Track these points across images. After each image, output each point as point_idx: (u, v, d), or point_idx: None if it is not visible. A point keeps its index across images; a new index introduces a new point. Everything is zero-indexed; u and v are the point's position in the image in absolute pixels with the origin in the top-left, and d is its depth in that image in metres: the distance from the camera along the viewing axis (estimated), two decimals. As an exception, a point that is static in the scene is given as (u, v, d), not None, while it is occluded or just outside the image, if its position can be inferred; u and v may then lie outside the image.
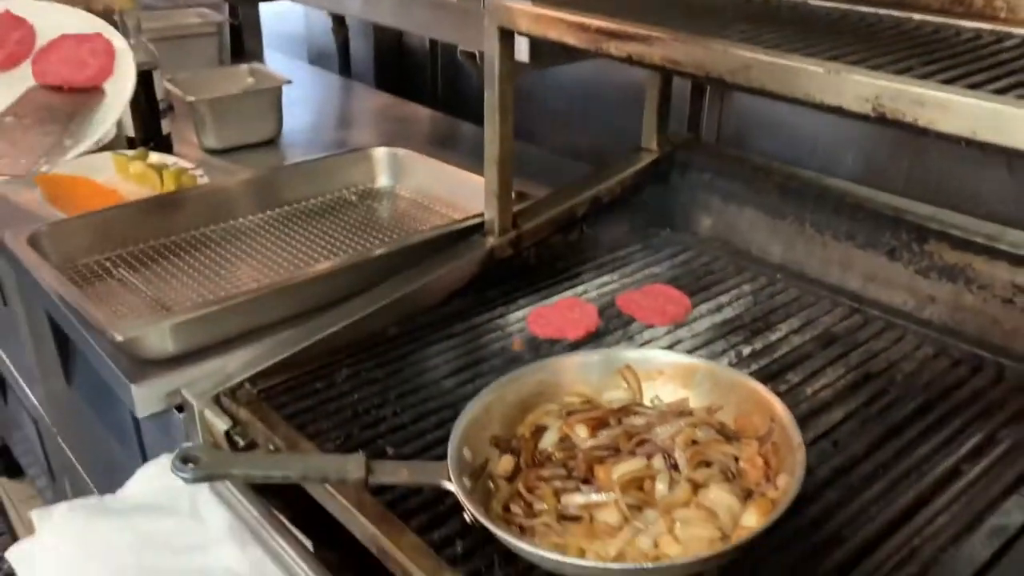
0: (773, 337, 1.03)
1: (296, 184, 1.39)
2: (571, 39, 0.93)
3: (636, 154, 1.29)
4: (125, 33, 1.58)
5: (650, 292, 1.11)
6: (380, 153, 1.46)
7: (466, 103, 1.94)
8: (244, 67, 1.77)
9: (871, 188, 1.13)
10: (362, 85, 2.15)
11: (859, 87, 0.69)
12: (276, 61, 2.39)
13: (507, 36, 1.04)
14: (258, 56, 2.35)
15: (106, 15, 1.97)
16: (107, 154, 1.46)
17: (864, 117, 0.68)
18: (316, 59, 2.40)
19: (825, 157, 1.27)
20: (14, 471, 2.44)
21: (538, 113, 1.73)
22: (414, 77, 2.12)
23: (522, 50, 1.06)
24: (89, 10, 2.11)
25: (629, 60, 0.88)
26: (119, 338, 0.94)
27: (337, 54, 2.22)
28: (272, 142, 1.68)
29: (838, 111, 0.70)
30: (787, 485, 0.70)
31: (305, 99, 1.94)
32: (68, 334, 1.15)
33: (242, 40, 2.28)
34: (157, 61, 1.56)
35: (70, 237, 1.19)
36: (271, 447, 0.87)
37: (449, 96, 2.04)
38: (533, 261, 1.19)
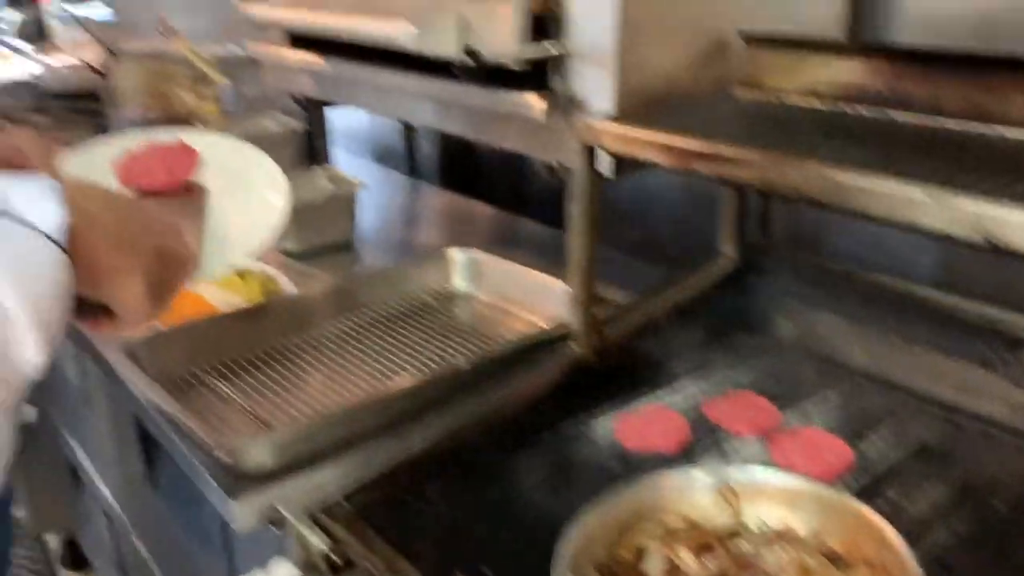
0: (866, 449, 1.01)
1: (376, 289, 1.42)
2: (658, 159, 0.96)
3: (713, 258, 1.31)
4: (210, 143, 1.65)
5: (737, 401, 1.10)
6: (456, 255, 1.50)
7: (528, 200, 1.97)
8: (320, 171, 1.83)
9: (956, 295, 1.12)
10: (427, 184, 2.21)
11: (967, 214, 0.69)
12: (342, 160, 2.47)
13: (592, 152, 1.07)
14: (325, 156, 2.43)
15: (189, 122, 2.06)
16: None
17: (973, 246, 0.69)
18: (381, 156, 2.47)
19: (901, 257, 1.26)
20: (80, 563, 2.46)
21: (605, 211, 1.76)
22: (478, 174, 2.18)
23: (606, 166, 1.09)
24: (171, 117, 2.22)
25: (720, 180, 0.90)
26: (222, 454, 0.96)
27: (404, 154, 2.29)
28: (346, 243, 1.73)
29: (946, 239, 0.70)
30: (908, 619, 0.68)
31: (373, 199, 2.00)
32: (161, 443, 1.17)
33: (311, 140, 2.36)
34: (240, 170, 1.62)
35: (166, 348, 1.23)
36: (369, 566, 0.87)
37: (511, 193, 2.08)
38: (617, 368, 1.19)
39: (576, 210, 1.09)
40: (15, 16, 5.06)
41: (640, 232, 1.72)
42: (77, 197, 0.63)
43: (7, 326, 0.55)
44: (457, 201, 2.07)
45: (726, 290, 1.29)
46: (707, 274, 1.28)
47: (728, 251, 1.31)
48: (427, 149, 2.29)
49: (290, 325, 1.33)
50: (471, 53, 1.11)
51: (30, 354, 0.56)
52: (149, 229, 0.72)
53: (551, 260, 1.63)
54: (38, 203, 0.60)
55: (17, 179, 0.62)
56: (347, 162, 2.42)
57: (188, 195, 0.88)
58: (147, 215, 0.74)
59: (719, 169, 0.89)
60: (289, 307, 1.36)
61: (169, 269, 0.72)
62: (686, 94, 1.12)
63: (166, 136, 1.07)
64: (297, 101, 2.08)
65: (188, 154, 0.92)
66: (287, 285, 1.42)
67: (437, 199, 2.12)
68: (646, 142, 0.96)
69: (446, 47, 1.16)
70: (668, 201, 1.66)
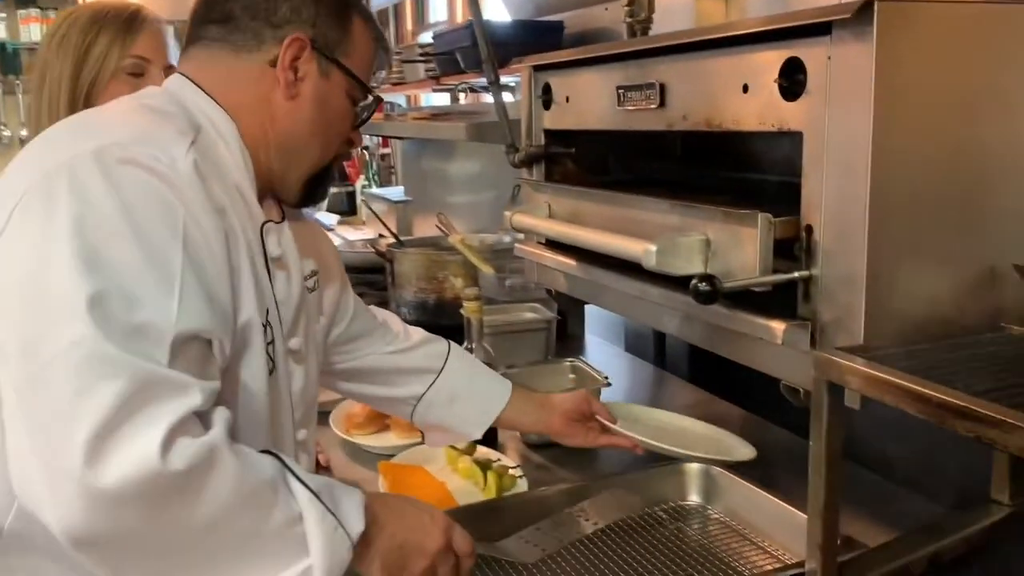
0: None
1: (606, 497, 1.40)
2: (909, 408, 0.88)
3: (983, 506, 1.16)
4: (469, 336, 1.77)
5: None
6: (694, 470, 1.45)
7: (783, 407, 1.88)
8: (567, 364, 1.88)
9: None
10: (675, 379, 2.19)
11: None
12: (594, 346, 2.54)
13: (834, 386, 1.02)
14: (579, 342, 2.52)
15: (458, 304, 2.23)
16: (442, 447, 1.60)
17: None
18: (633, 345, 2.50)
19: None
20: None
21: (861, 425, 1.63)
22: (729, 371, 2.12)
23: (853, 399, 1.02)
24: (442, 299, 2.41)
25: (979, 440, 0.81)
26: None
27: (653, 345, 2.30)
28: (587, 439, 1.74)
29: None
30: None
31: (620, 391, 2.01)
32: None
33: (566, 326, 2.46)
34: (495, 361, 1.71)
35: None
36: None
37: (764, 396, 2.00)
38: (860, 623, 1.07)
39: (816, 447, 1.03)
40: (331, 190, 5.85)
41: (901, 455, 1.57)
42: (377, 506, 0.97)
43: None
44: (705, 399, 2.02)
45: (1000, 545, 1.14)
46: (976, 525, 1.13)
47: (1002, 499, 1.16)
48: (678, 341, 2.28)
49: (521, 523, 1.33)
50: (705, 279, 1.10)
51: None
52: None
53: (801, 477, 1.53)
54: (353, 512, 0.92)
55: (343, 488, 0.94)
56: (599, 349, 2.48)
57: None
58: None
59: (982, 432, 0.81)
60: (521, 506, 1.38)
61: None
62: (949, 325, 1.04)
63: None
64: (550, 293, 2.18)
65: None
66: (522, 483, 1.44)
67: (684, 395, 2.08)
68: (896, 388, 0.90)
69: (686, 269, 1.18)
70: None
